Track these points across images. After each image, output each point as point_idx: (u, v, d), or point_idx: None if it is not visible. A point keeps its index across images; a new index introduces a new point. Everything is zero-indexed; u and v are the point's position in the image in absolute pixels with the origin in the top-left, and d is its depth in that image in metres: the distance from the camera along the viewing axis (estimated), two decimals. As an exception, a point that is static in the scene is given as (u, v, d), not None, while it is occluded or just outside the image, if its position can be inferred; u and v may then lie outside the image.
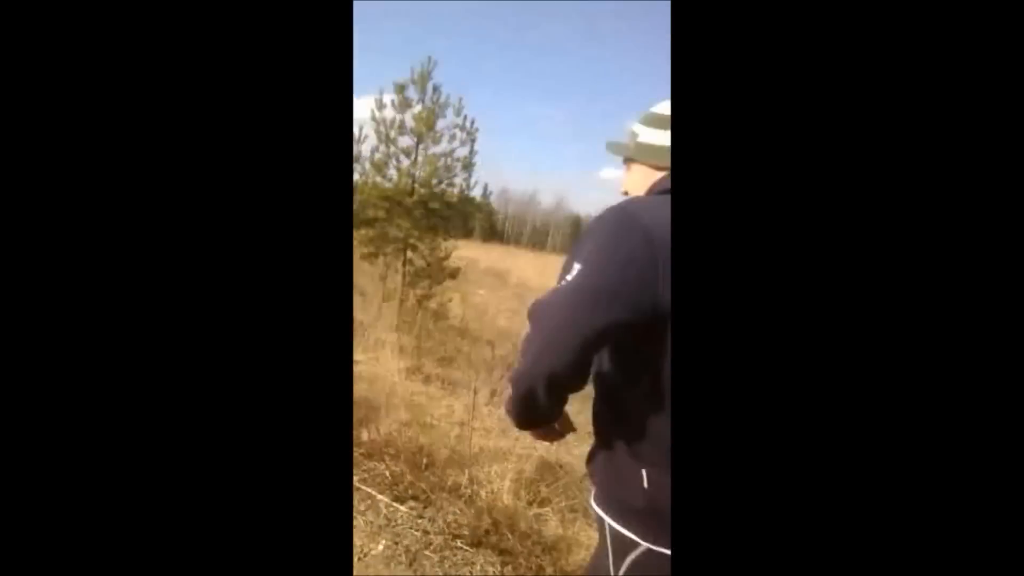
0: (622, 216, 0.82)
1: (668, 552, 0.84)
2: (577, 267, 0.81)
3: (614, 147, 1.04)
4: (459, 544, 2.06)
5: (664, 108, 0.96)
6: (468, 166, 6.74)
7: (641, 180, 0.97)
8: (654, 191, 0.93)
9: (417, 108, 6.60)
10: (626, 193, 1.00)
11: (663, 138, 0.94)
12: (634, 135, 0.98)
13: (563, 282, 0.82)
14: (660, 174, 0.94)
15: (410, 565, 1.91)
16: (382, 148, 6.79)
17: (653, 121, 0.96)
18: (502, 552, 2.03)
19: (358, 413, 2.81)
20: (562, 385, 0.83)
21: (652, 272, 0.76)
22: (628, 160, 1.01)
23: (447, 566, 1.94)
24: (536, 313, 0.82)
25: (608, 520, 0.91)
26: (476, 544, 2.06)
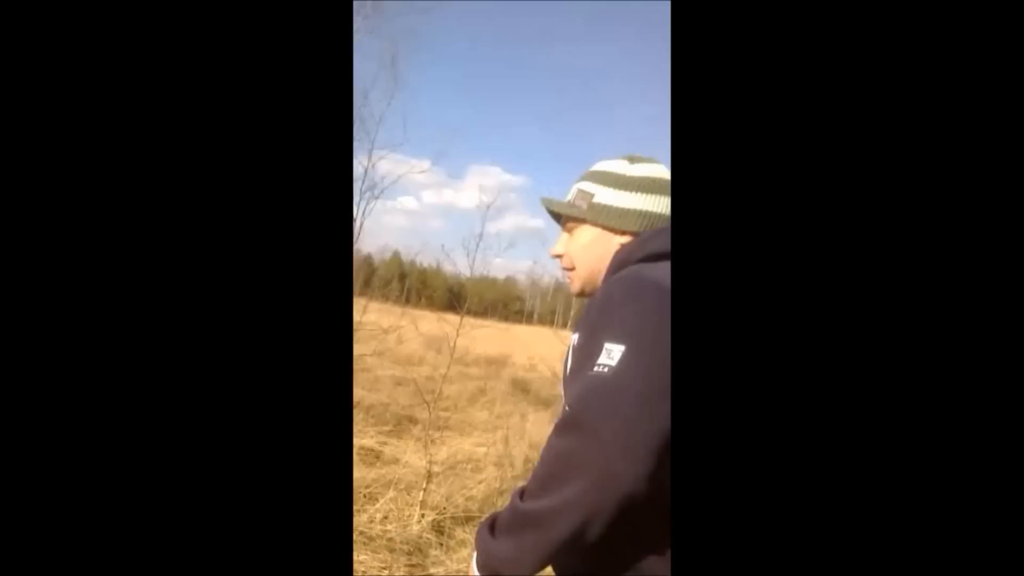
0: (647, 284, 0.72)
1: None
2: (620, 348, 0.66)
3: (554, 204, 0.95)
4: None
5: (623, 168, 0.91)
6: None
7: (592, 243, 0.91)
8: (636, 256, 0.84)
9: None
10: (559, 256, 0.96)
11: (625, 200, 0.89)
12: (587, 195, 0.91)
13: (603, 368, 0.66)
14: (616, 237, 0.90)
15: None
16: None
17: (613, 181, 0.90)
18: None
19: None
20: (634, 506, 0.63)
21: None
22: (571, 220, 0.94)
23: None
24: (586, 414, 0.64)
25: None
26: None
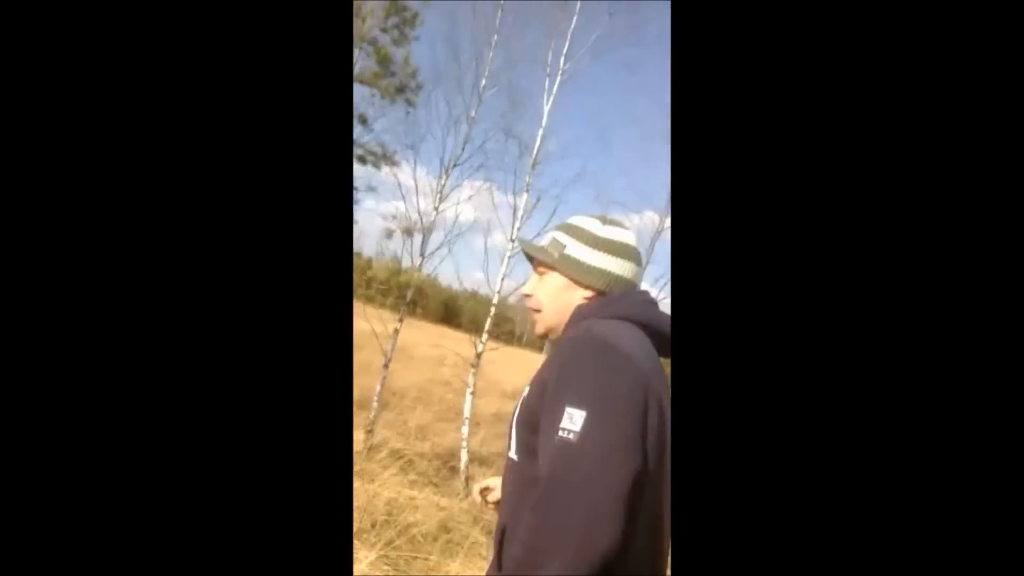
0: (607, 348, 0.79)
1: None
2: (581, 414, 0.72)
3: (531, 248, 1.03)
4: None
5: (595, 227, 0.99)
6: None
7: (558, 291, 0.99)
8: (602, 314, 0.92)
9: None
10: (528, 296, 1.02)
11: (592, 257, 0.97)
12: (559, 245, 0.99)
13: (567, 435, 0.72)
14: (581, 290, 0.97)
15: None
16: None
17: (584, 238, 0.98)
18: None
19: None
20: (610, 571, 0.67)
21: (647, 407, 0.75)
22: (542, 264, 1.01)
23: None
24: (557, 486, 0.69)
25: None
26: None
